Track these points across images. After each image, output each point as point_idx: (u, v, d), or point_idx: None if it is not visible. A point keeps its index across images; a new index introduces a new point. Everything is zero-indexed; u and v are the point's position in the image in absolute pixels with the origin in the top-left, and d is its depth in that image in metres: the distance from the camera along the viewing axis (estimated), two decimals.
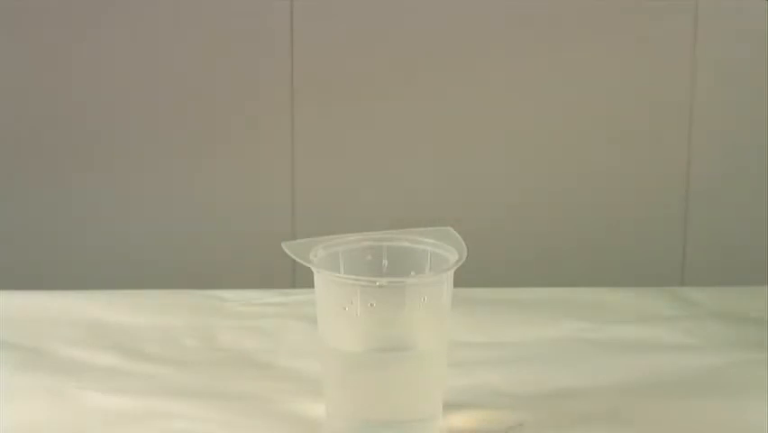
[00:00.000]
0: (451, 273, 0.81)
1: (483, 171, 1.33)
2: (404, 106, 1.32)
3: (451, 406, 0.84)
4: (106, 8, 1.29)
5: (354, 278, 0.80)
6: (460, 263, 0.81)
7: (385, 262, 0.85)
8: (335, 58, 1.30)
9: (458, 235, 0.84)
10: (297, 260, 0.81)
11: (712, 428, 0.84)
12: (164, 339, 0.99)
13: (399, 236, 0.85)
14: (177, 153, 1.33)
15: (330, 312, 0.81)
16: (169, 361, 0.95)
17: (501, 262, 1.30)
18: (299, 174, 1.32)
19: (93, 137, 1.33)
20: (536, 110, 1.32)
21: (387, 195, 1.34)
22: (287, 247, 0.82)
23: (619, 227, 1.35)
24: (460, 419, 0.85)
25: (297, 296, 1.09)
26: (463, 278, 0.83)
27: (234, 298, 1.08)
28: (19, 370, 0.93)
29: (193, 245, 1.35)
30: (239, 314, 1.05)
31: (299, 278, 1.27)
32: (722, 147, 1.33)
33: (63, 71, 1.31)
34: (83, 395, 0.88)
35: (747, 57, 1.30)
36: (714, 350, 0.97)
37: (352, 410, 0.82)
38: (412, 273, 0.84)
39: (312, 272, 0.82)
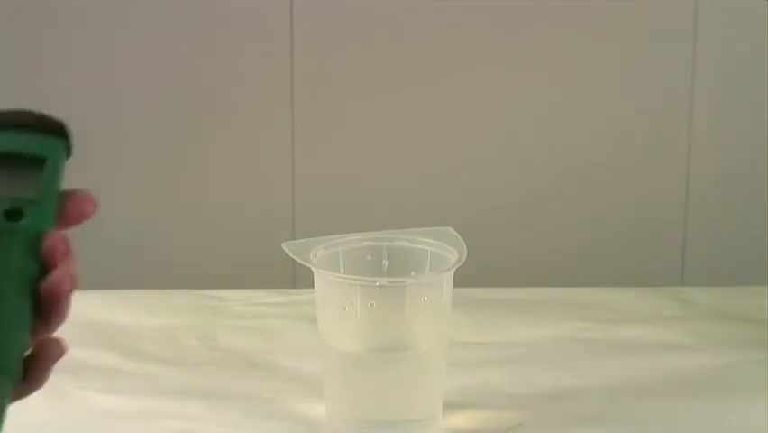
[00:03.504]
0: (451, 273, 0.81)
1: (483, 171, 1.33)
2: (404, 106, 1.32)
3: (451, 406, 0.84)
4: (106, 8, 1.29)
5: (354, 278, 0.80)
6: (460, 263, 0.81)
7: (385, 262, 0.85)
8: (335, 57, 1.30)
9: (458, 235, 0.84)
10: (297, 260, 0.81)
11: (712, 428, 0.84)
12: (164, 339, 0.99)
13: (399, 236, 0.85)
14: (177, 153, 1.33)
15: (330, 312, 0.81)
16: (169, 361, 0.95)
17: (501, 262, 1.30)
18: (299, 174, 1.32)
19: (92, 137, 1.33)
20: (536, 110, 1.32)
21: (387, 195, 1.33)
22: (287, 247, 0.82)
23: (619, 227, 1.35)
24: (460, 419, 0.85)
25: (297, 296, 1.09)
26: (463, 278, 0.83)
27: (234, 298, 1.08)
28: None
29: (193, 245, 1.35)
30: (239, 314, 1.05)
31: (299, 278, 1.27)
32: (722, 147, 1.33)
33: (63, 71, 1.31)
34: (83, 395, 0.88)
35: (747, 57, 1.30)
36: (714, 350, 0.97)
37: (352, 410, 0.82)
38: (412, 273, 0.84)
39: (312, 272, 0.82)
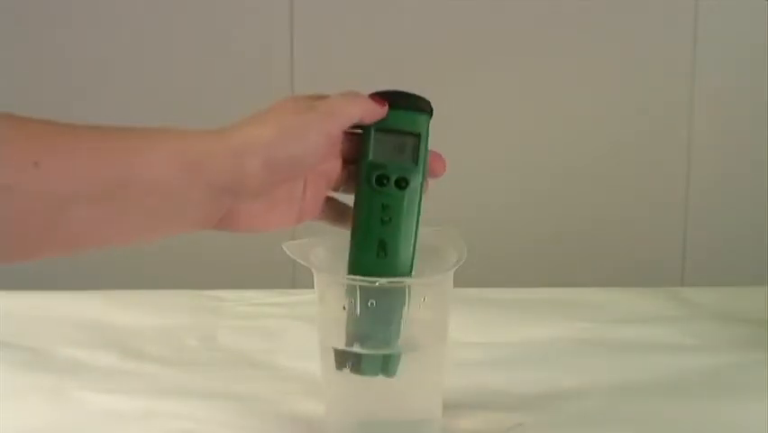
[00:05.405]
0: (451, 273, 0.81)
1: (483, 171, 1.33)
2: None
3: (451, 406, 0.84)
4: (107, 9, 1.30)
5: (354, 278, 0.80)
6: (460, 263, 0.81)
7: None
8: (335, 58, 1.30)
9: (458, 235, 0.84)
10: (297, 260, 0.81)
11: (712, 428, 0.84)
12: (164, 339, 0.99)
13: None
14: None
15: (330, 312, 0.81)
16: (169, 361, 0.95)
17: (501, 262, 1.30)
18: None
19: None
20: (537, 111, 1.32)
21: None
22: (287, 247, 0.82)
23: (619, 227, 1.35)
24: (460, 419, 0.85)
25: (297, 296, 1.09)
26: (463, 278, 0.83)
27: (234, 298, 1.08)
28: (19, 370, 0.93)
29: (193, 245, 1.35)
30: (239, 314, 1.05)
31: (299, 278, 1.27)
32: (722, 147, 1.33)
33: (63, 70, 1.31)
34: (83, 395, 0.88)
35: (747, 57, 1.30)
36: (714, 350, 0.97)
37: (352, 410, 0.81)
38: (412, 273, 0.84)
39: (312, 272, 0.82)
